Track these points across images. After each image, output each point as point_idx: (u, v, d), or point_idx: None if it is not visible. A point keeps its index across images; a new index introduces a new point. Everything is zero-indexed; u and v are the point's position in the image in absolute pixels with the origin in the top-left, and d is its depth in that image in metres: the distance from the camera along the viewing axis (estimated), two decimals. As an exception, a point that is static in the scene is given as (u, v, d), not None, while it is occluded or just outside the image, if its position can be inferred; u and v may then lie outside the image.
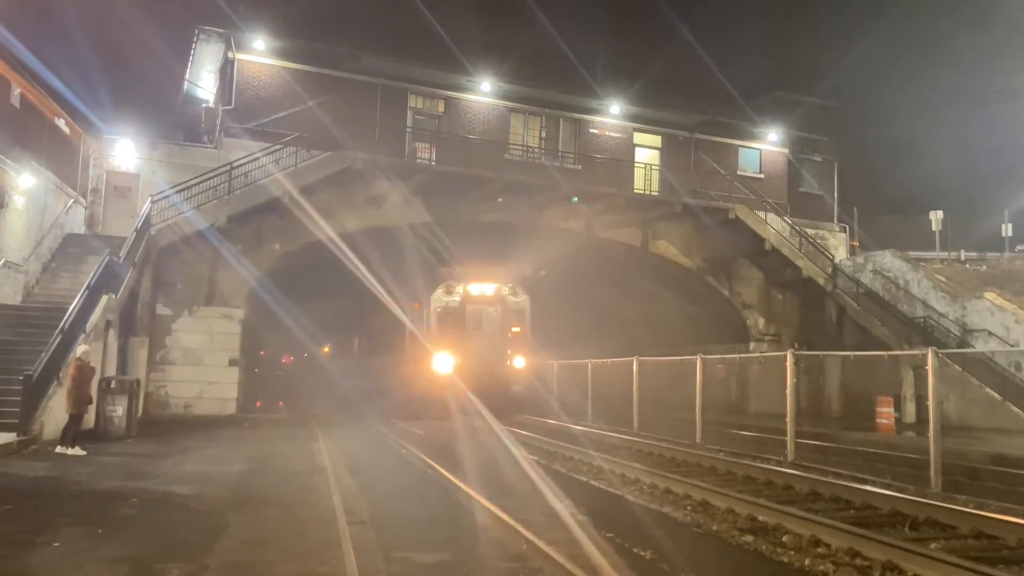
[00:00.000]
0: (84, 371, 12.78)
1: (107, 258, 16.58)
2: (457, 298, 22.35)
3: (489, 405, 18.17)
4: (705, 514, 8.45)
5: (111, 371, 16.20)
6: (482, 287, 22.71)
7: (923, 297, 24.47)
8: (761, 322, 27.27)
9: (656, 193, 26.94)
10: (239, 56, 23.47)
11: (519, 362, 22.43)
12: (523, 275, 24.45)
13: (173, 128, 28.09)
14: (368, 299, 31.56)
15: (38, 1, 26.42)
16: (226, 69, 24.13)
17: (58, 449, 12.11)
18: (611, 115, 27.98)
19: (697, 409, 16.04)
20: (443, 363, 21.08)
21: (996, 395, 19.86)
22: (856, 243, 31.09)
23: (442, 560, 6.34)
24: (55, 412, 13.09)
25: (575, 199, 25.05)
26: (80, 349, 13.17)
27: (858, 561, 6.40)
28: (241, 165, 20.91)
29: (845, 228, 31.22)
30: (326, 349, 58.32)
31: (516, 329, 22.81)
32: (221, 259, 20.74)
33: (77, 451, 12.03)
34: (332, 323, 49.97)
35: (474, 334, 22.17)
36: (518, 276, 24.21)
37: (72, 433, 12.30)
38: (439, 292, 22.34)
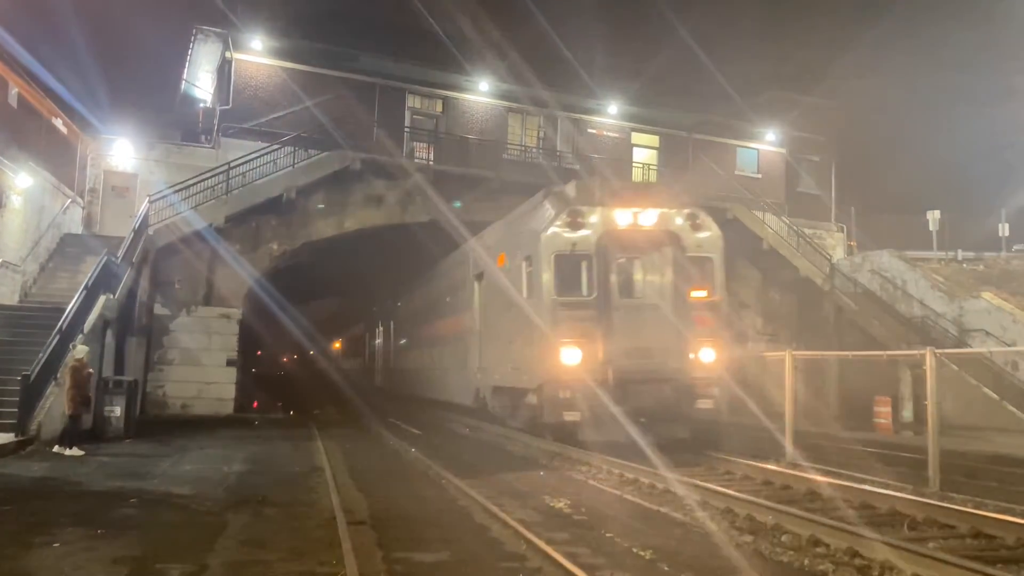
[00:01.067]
0: (81, 372, 12.77)
1: (105, 258, 16.56)
2: (589, 234, 12.79)
3: (656, 435, 11.74)
4: None
5: (109, 371, 16.17)
6: (636, 213, 13.04)
7: (920, 297, 24.51)
8: (759, 321, 27.28)
9: (654, 193, 26.94)
10: (237, 56, 23.45)
11: (708, 355, 12.90)
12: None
13: (171, 128, 28.04)
14: (397, 278, 27.28)
15: (36, 1, 26.39)
16: (224, 69, 24.11)
17: (56, 449, 12.11)
18: (609, 115, 28.00)
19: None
20: (567, 357, 12.29)
21: (993, 395, 19.90)
22: (854, 243, 31.16)
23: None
24: (53, 412, 13.07)
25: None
26: (79, 350, 13.15)
27: (857, 561, 6.42)
28: (239, 165, 20.90)
29: (843, 228, 31.30)
30: (337, 345, 56.21)
31: (701, 293, 13.16)
32: (219, 259, 20.70)
33: (75, 451, 12.03)
34: (340, 318, 48.05)
35: (624, 304, 12.85)
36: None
37: (70, 433, 12.30)
38: (555, 226, 12.88)
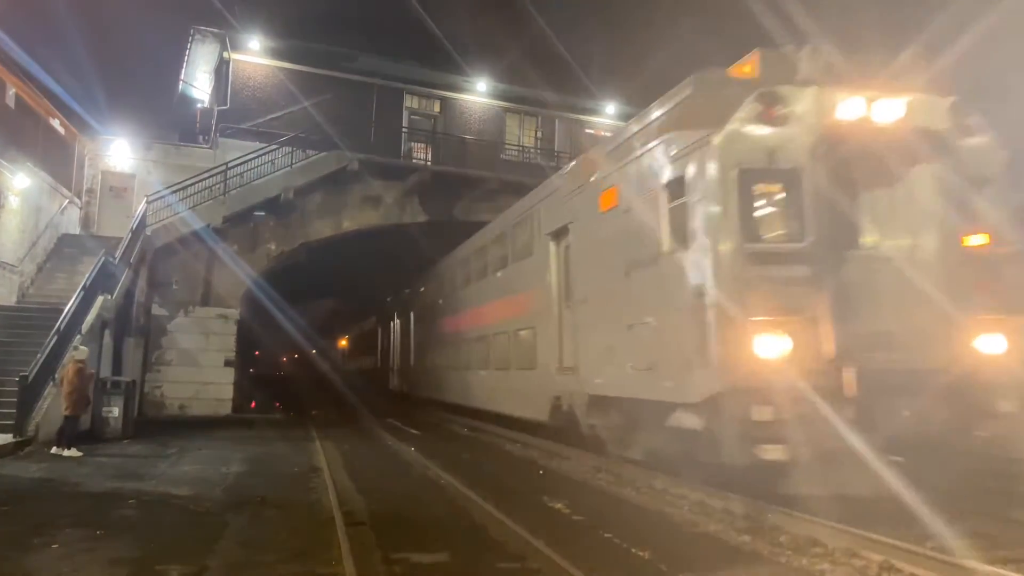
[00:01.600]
0: (83, 373, 12.75)
1: (103, 259, 16.56)
2: (798, 134, 7.80)
3: (922, 481, 6.92)
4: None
5: (107, 372, 16.16)
6: (871, 99, 7.95)
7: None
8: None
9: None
10: (234, 56, 23.46)
11: (996, 344, 7.74)
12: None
13: (168, 128, 28.10)
14: (415, 263, 24.03)
15: (33, 1, 26.35)
16: (221, 69, 24.12)
17: (53, 450, 12.09)
18: (607, 115, 28.05)
19: None
20: (766, 348, 7.31)
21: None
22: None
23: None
24: (51, 413, 13.06)
25: None
26: (80, 351, 13.12)
27: (855, 561, 6.42)
28: (237, 165, 20.91)
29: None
30: (343, 342, 51.54)
31: (980, 238, 8.08)
32: (217, 259, 20.72)
33: (73, 452, 12.01)
34: (345, 315, 44.97)
35: (857, 257, 8.12)
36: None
37: (68, 434, 12.29)
38: (736, 122, 7.84)
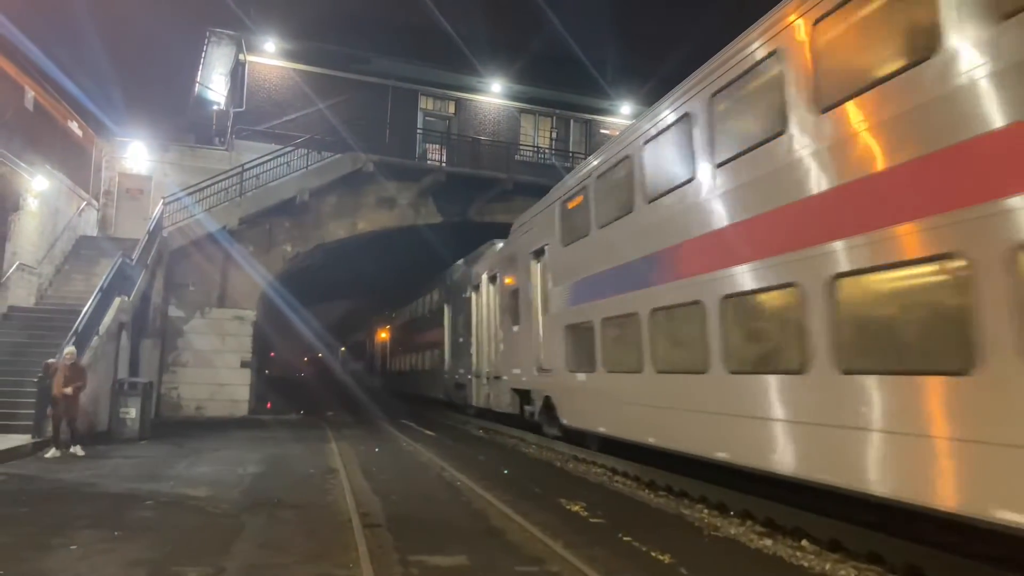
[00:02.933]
0: (49, 371, 12.54)
1: (120, 260, 16.65)
2: None
3: None
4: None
5: (124, 373, 16.24)
6: None
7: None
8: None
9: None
10: (250, 58, 23.56)
11: None
12: None
13: (184, 131, 28.24)
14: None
15: (51, 5, 26.58)
16: (237, 71, 24.23)
17: (71, 450, 12.14)
18: (622, 115, 27.94)
19: None
20: None
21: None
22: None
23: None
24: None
25: None
26: (66, 350, 12.89)
27: (880, 566, 6.31)
28: (252, 167, 20.99)
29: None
30: (383, 335, 41.41)
31: None
32: (232, 261, 20.81)
33: (53, 453, 11.95)
34: (385, 307, 39.59)
35: None
36: None
37: (54, 434, 12.27)
38: None
